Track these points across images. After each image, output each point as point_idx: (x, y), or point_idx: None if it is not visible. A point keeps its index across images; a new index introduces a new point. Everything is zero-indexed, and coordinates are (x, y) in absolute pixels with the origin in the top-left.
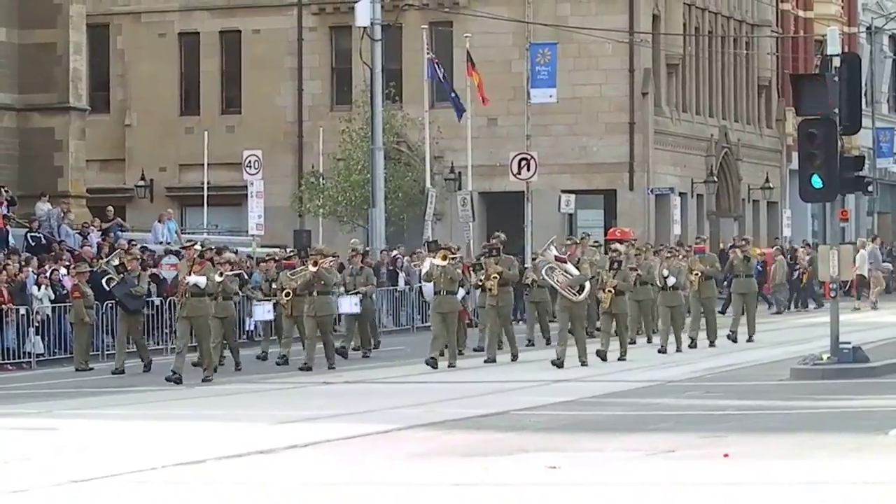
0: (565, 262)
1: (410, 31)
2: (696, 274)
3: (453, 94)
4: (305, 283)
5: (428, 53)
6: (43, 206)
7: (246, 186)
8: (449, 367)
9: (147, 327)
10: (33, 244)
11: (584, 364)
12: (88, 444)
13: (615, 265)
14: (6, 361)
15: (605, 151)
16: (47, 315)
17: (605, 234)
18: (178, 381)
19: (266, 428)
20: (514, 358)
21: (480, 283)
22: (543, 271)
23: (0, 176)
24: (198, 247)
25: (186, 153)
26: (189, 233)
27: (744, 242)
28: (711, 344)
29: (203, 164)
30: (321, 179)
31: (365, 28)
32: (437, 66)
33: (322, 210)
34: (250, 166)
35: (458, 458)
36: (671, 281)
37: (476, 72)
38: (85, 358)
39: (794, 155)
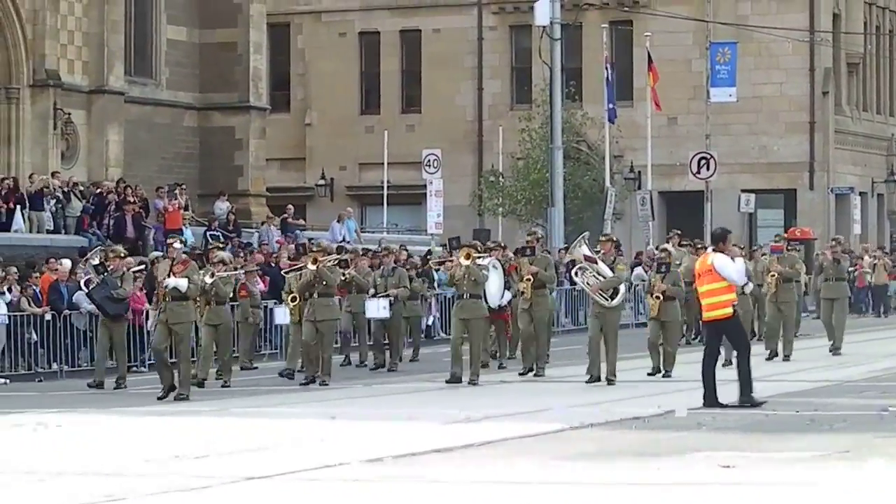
0: (596, 263)
1: (590, 30)
2: (773, 276)
3: (611, 106)
4: (305, 283)
5: (605, 53)
6: (222, 205)
7: (425, 185)
8: (470, 383)
9: None
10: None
11: (611, 383)
12: (263, 441)
13: (663, 268)
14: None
15: (785, 151)
16: None
17: (786, 234)
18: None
19: (440, 427)
20: (531, 371)
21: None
22: (573, 273)
23: (180, 175)
24: (178, 245)
25: (366, 152)
26: (369, 231)
27: (834, 243)
28: (786, 358)
29: (383, 163)
30: (500, 178)
31: (544, 27)
32: (608, 69)
33: (501, 209)
34: (430, 165)
35: (630, 457)
36: None
37: (652, 76)
38: (250, 357)
39: None
